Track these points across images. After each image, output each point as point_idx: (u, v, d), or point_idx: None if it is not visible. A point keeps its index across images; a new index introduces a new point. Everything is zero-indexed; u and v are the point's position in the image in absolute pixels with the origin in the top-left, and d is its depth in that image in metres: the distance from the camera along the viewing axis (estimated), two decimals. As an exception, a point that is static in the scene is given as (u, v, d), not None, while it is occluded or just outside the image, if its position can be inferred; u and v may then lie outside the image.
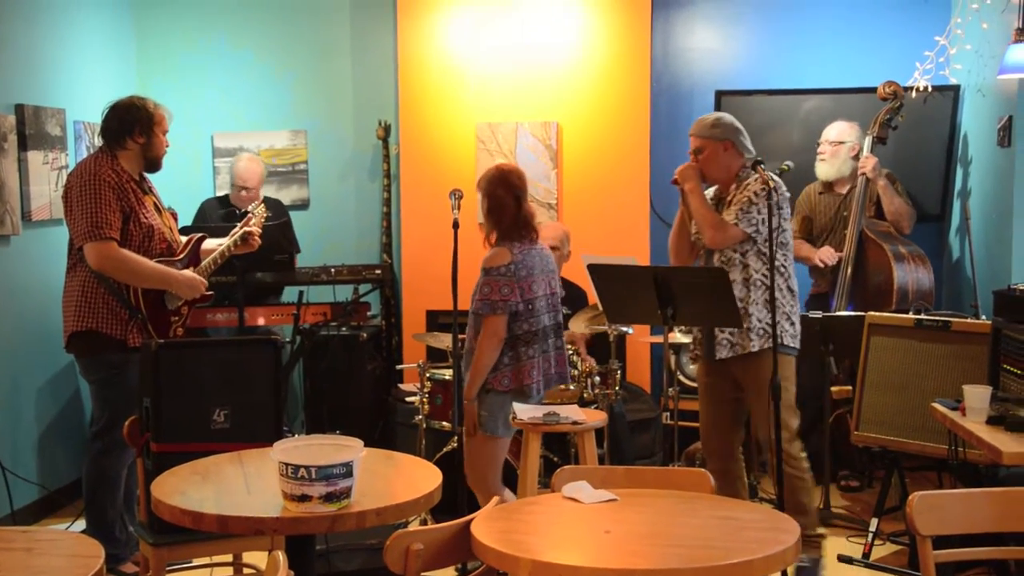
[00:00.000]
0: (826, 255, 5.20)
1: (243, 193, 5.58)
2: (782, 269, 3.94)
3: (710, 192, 4.12)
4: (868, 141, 5.20)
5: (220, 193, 6.01)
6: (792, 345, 3.96)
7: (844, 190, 5.28)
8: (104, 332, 3.97)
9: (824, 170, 5.28)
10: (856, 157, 5.24)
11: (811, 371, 5.18)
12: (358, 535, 3.92)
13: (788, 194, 4.01)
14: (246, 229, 4.34)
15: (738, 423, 4.07)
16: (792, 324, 3.97)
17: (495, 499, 2.59)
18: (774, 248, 3.78)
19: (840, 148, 5.24)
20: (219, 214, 5.62)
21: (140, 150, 4.06)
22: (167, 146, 4.15)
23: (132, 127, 4.03)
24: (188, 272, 4.12)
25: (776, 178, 3.93)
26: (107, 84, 5.56)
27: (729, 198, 4.03)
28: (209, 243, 4.32)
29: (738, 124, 4.06)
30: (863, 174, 5.14)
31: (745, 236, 3.91)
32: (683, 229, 4.16)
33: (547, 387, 3.93)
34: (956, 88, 5.50)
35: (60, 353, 4.49)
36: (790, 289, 3.97)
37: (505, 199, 3.83)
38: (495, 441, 3.82)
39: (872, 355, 4.37)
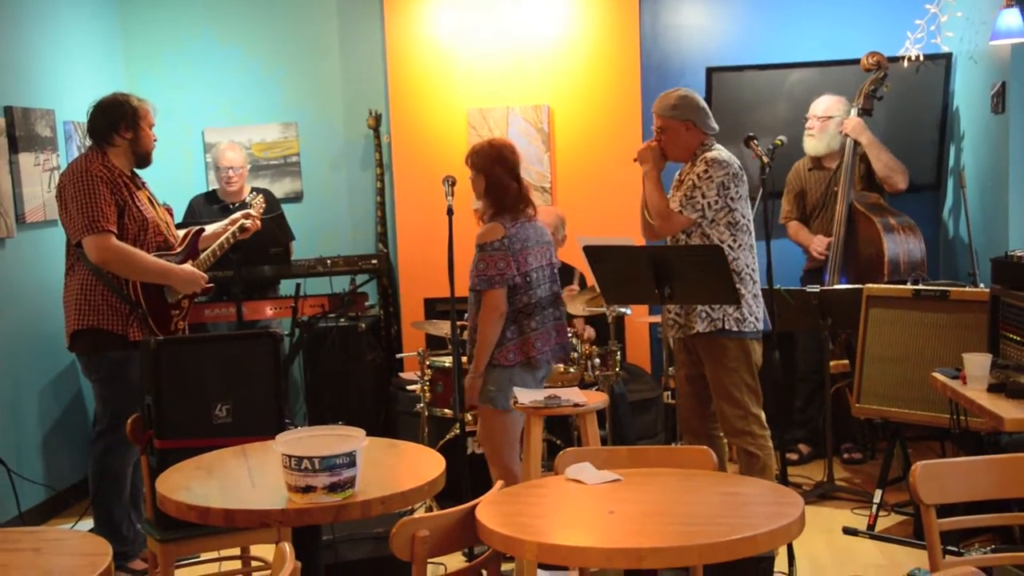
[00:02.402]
0: (820, 246, 5.18)
1: (231, 173, 5.54)
2: (726, 251, 3.80)
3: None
4: (853, 112, 5.19)
5: (208, 190, 5.98)
6: (736, 329, 3.85)
7: (833, 165, 5.26)
8: (105, 328, 3.97)
9: (813, 145, 5.26)
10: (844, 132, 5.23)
11: (807, 345, 5.20)
12: (364, 524, 3.92)
13: (744, 176, 3.92)
14: (244, 222, 4.34)
15: (707, 400, 4.04)
16: (738, 308, 3.84)
17: (499, 483, 2.60)
18: (769, 226, 3.76)
19: (829, 123, 5.22)
20: (211, 210, 5.60)
21: (128, 145, 4.06)
22: (155, 140, 4.15)
23: (118, 123, 4.02)
24: (187, 266, 4.12)
25: (731, 157, 3.90)
26: (95, 83, 5.53)
27: (683, 177, 4.02)
28: (210, 228, 4.32)
29: (700, 102, 3.99)
30: (845, 134, 5.13)
31: (691, 222, 3.88)
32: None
33: (553, 358, 3.96)
34: (948, 56, 5.48)
35: (61, 354, 4.50)
36: (735, 271, 3.81)
37: (504, 178, 3.85)
38: (507, 415, 3.84)
39: (871, 327, 4.37)
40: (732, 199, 3.88)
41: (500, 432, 3.87)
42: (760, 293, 4.00)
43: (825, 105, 5.25)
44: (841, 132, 5.16)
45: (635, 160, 4.09)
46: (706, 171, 3.86)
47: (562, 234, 4.87)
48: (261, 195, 4.61)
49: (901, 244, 5.00)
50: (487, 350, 3.80)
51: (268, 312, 5.36)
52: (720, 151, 3.95)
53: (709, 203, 3.86)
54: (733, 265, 3.85)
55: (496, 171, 3.85)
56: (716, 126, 4.02)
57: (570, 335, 4.47)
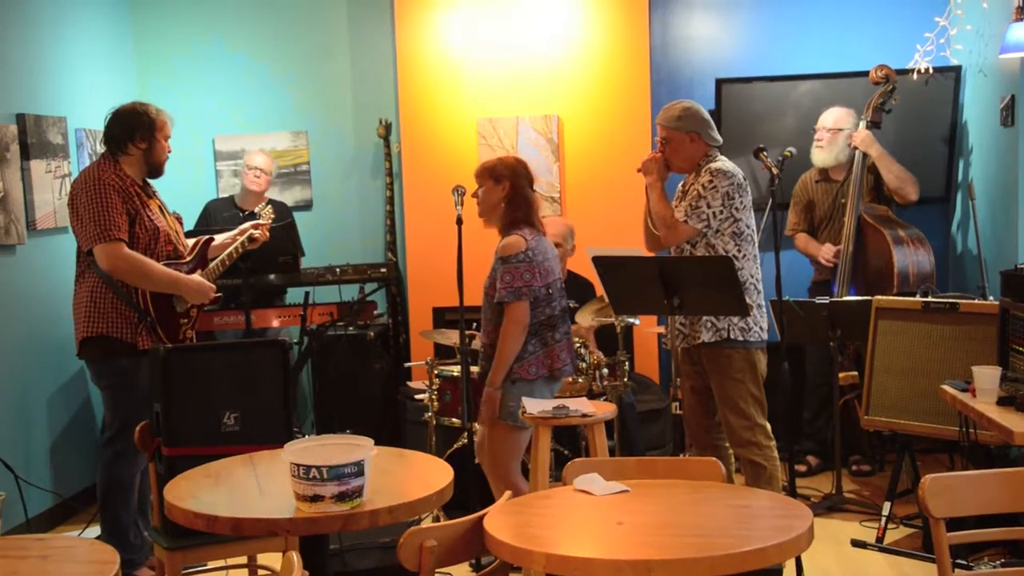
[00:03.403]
0: (828, 253, 5.17)
1: (260, 173, 5.60)
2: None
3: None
4: (862, 125, 5.19)
5: (223, 195, 6.02)
6: (741, 339, 3.87)
7: (840, 177, 5.26)
8: (114, 336, 3.98)
9: (821, 157, 5.25)
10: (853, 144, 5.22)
11: (818, 357, 5.19)
12: (372, 533, 3.93)
13: (748, 186, 3.94)
14: (253, 232, 4.36)
15: (713, 411, 4.02)
16: (742, 318, 3.85)
17: (507, 493, 2.59)
18: (778, 237, 3.77)
19: (838, 135, 5.22)
20: (224, 216, 5.62)
21: (142, 156, 4.07)
22: (169, 151, 4.16)
23: (133, 133, 4.04)
24: (197, 277, 4.13)
25: (735, 168, 3.91)
26: (107, 91, 5.56)
27: (686, 188, 4.03)
28: (219, 238, 4.33)
29: (704, 113, 4.01)
30: (854, 147, 5.12)
31: (697, 232, 3.90)
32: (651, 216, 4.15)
33: (570, 371, 3.95)
34: (957, 69, 5.48)
35: (70, 361, 4.50)
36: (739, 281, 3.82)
37: (526, 190, 3.87)
38: (521, 431, 3.83)
39: (880, 339, 4.36)
40: (737, 209, 3.89)
41: (511, 448, 3.85)
42: (763, 303, 4.01)
43: (835, 117, 5.24)
44: (850, 145, 5.16)
45: (638, 171, 4.10)
46: (711, 181, 3.87)
47: (571, 244, 4.87)
48: (270, 206, 4.63)
49: (910, 256, 4.99)
50: (507, 363, 3.77)
51: (276, 321, 5.37)
52: (724, 162, 3.96)
53: (714, 213, 3.87)
54: (739, 275, 3.85)
55: (520, 182, 3.86)
56: (720, 138, 4.03)
57: (578, 345, 4.47)
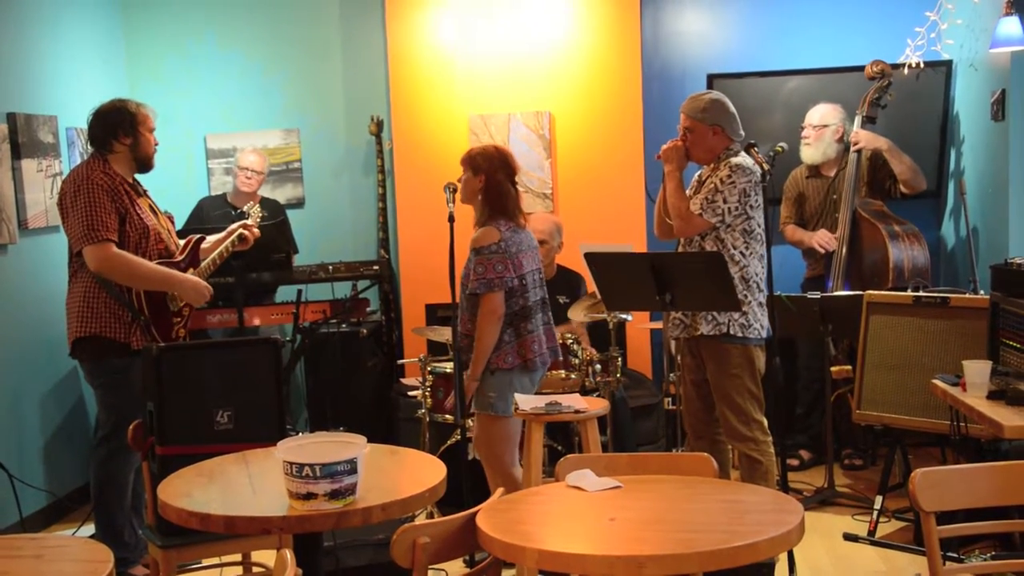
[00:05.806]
0: (823, 239, 5.16)
1: (248, 177, 5.62)
2: (737, 257, 3.86)
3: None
4: (857, 120, 5.19)
5: (215, 193, 6.01)
6: (740, 335, 3.87)
7: (831, 173, 5.26)
8: (108, 336, 3.98)
9: (809, 154, 5.26)
10: (840, 140, 5.23)
11: (811, 352, 5.20)
12: (365, 531, 3.93)
13: (759, 183, 3.92)
14: (242, 231, 4.35)
15: (712, 404, 4.02)
16: (743, 314, 3.85)
17: (499, 490, 2.60)
18: (770, 234, 3.77)
19: (824, 131, 5.22)
20: (216, 214, 5.62)
21: (129, 151, 4.06)
22: (156, 144, 4.15)
23: (116, 129, 4.03)
24: (194, 277, 4.12)
25: (753, 165, 3.91)
26: (98, 89, 5.54)
27: (704, 179, 4.03)
28: (209, 238, 4.33)
29: (730, 107, 3.99)
30: (857, 149, 5.12)
31: (710, 226, 3.89)
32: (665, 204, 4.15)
33: (546, 362, 3.96)
34: (948, 64, 5.50)
35: (63, 360, 4.50)
36: (743, 278, 3.86)
37: (505, 184, 3.87)
38: (507, 420, 3.84)
39: (871, 334, 4.38)
40: (751, 207, 3.88)
41: (501, 438, 3.87)
42: (765, 301, 4.00)
43: (820, 114, 5.25)
44: (855, 146, 5.13)
45: (658, 158, 4.07)
46: (729, 176, 3.86)
47: (557, 241, 4.88)
48: (258, 205, 4.64)
49: (906, 251, 4.99)
50: (486, 354, 3.79)
51: (270, 318, 5.37)
52: (744, 157, 3.93)
53: (729, 208, 3.86)
54: (743, 272, 3.86)
55: (498, 176, 3.86)
56: (743, 133, 4.01)
57: (571, 340, 4.48)
